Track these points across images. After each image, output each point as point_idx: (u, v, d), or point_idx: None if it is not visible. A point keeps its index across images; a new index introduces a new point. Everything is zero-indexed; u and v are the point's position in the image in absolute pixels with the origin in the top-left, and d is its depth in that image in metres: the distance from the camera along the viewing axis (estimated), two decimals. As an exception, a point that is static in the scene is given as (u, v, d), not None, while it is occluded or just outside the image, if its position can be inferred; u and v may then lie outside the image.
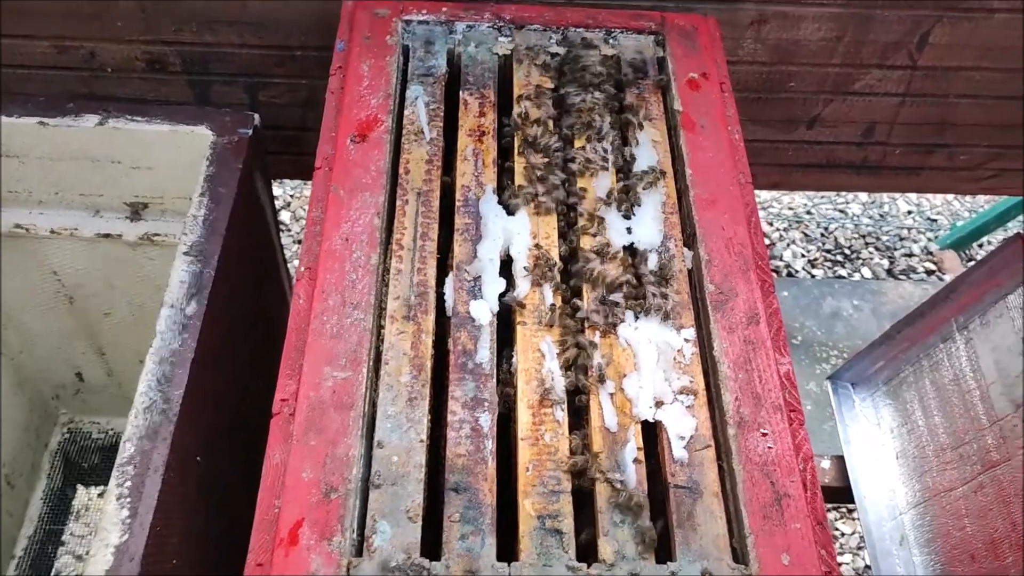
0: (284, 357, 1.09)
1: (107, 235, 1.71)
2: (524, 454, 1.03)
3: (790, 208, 3.56)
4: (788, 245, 3.42)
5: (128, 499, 1.16)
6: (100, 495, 2.17)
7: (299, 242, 3.27)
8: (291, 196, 3.41)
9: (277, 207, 3.34)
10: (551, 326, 1.14)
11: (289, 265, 2.57)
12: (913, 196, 3.61)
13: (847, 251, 3.45)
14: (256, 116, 1.58)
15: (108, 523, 1.13)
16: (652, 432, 1.07)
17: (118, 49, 1.67)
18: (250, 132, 1.55)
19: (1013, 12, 1.64)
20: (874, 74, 1.75)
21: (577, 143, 1.33)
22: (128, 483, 1.17)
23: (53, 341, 1.98)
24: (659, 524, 1.00)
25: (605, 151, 1.32)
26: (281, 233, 3.25)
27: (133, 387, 1.28)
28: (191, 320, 1.33)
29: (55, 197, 1.69)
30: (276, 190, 3.35)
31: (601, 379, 1.08)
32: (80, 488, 2.18)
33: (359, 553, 0.95)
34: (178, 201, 1.69)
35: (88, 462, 2.18)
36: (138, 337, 1.94)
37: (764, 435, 1.04)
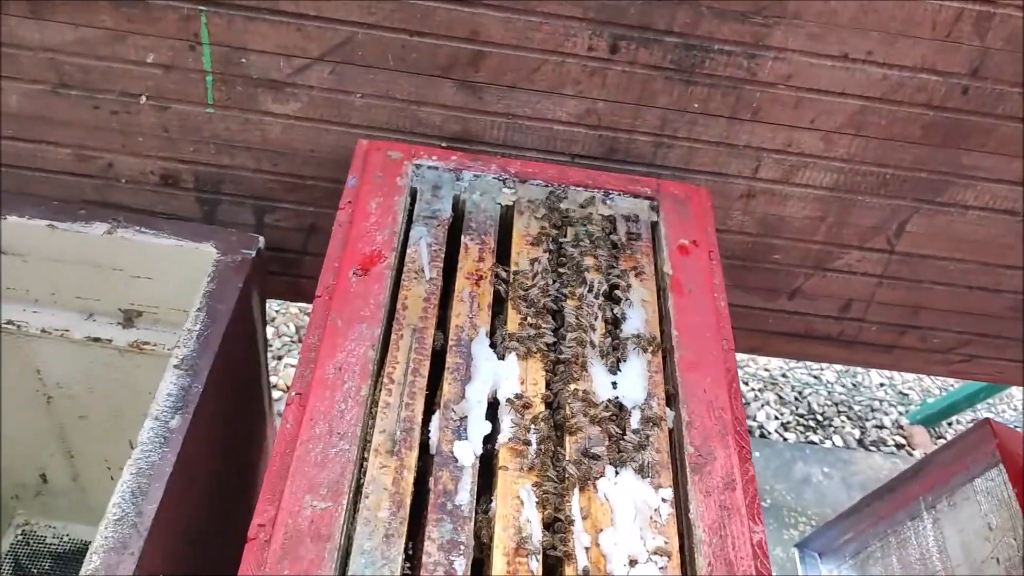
0: (266, 481, 1.09)
1: (97, 339, 1.73)
2: (495, 602, 1.02)
3: (766, 369, 3.63)
4: (762, 406, 3.46)
5: (87, 613, 1.14)
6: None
7: (279, 358, 3.28)
8: (275, 312, 3.44)
9: (263, 323, 3.37)
10: (531, 471, 1.16)
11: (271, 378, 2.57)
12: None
13: (819, 417, 3.49)
14: (261, 239, 1.63)
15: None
16: (624, 590, 1.08)
17: (135, 162, 1.73)
18: (253, 254, 1.60)
19: (985, 210, 1.75)
20: (854, 254, 1.84)
21: (570, 298, 1.38)
22: (89, 597, 1.15)
23: (23, 439, 1.96)
24: None
25: (597, 306, 1.37)
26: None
27: (96, 494, 1.27)
28: (173, 434, 1.33)
29: (51, 297, 1.72)
30: (263, 306, 3.38)
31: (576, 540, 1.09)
32: (26, 595, 2.10)
33: None
34: (172, 312, 1.72)
35: (39, 568, 2.11)
36: (110, 444, 1.92)
37: (735, 603, 1.05)
